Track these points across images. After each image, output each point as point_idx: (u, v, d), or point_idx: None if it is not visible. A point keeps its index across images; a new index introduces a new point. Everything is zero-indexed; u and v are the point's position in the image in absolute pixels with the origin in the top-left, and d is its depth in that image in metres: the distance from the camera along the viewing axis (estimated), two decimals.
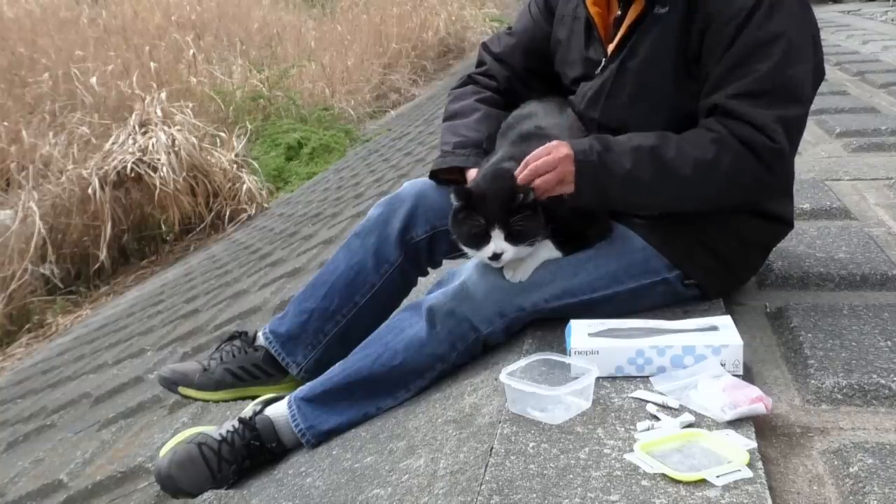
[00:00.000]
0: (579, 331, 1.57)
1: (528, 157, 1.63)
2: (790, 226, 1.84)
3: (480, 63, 2.07)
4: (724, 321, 1.57)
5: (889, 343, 1.56)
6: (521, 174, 1.62)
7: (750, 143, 1.58)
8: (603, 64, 1.79)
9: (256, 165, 7.57)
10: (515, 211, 1.60)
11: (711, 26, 1.63)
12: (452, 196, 1.65)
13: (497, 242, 1.61)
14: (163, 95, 7.48)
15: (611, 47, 1.77)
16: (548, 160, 1.61)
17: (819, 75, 1.68)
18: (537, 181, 1.61)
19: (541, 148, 1.63)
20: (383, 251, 1.90)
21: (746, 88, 1.59)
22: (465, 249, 1.68)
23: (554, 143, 1.64)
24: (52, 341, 5.85)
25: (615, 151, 1.62)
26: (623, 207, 1.72)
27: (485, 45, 2.09)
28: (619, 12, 1.77)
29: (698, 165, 1.60)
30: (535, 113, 1.87)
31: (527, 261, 1.68)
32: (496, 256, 1.62)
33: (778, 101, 1.59)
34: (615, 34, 1.76)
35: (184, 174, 6.87)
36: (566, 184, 1.63)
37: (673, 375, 1.47)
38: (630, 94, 1.73)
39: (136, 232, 7.26)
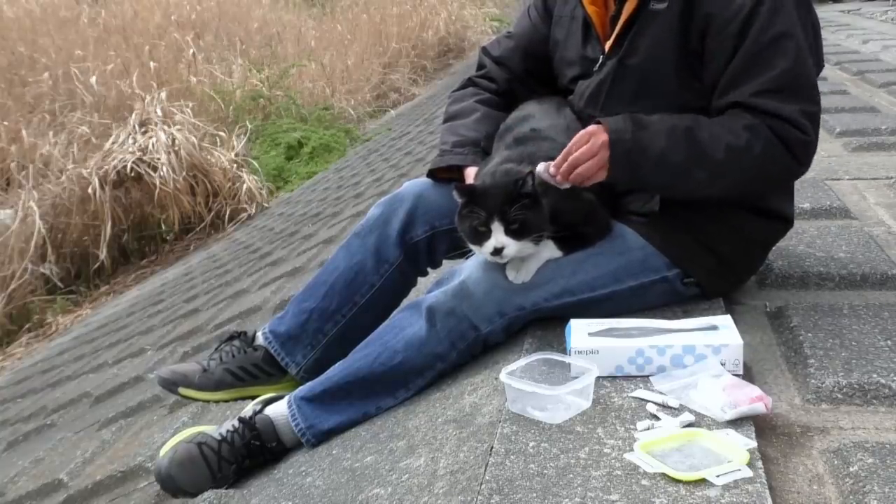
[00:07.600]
0: (579, 330, 1.57)
1: (568, 147, 1.61)
2: (790, 224, 1.84)
3: (480, 66, 2.08)
4: (724, 320, 1.57)
5: (889, 343, 1.57)
6: (562, 167, 1.61)
7: (781, 134, 1.60)
8: (600, 61, 1.79)
9: (256, 165, 7.56)
10: (514, 201, 1.59)
11: (711, 27, 1.63)
12: (455, 193, 1.65)
13: (497, 236, 1.60)
14: (163, 95, 7.47)
15: (608, 45, 1.77)
16: (589, 148, 1.61)
17: (819, 69, 1.71)
18: (578, 169, 1.61)
19: (580, 135, 1.62)
20: (383, 251, 1.90)
21: (768, 86, 1.60)
22: (470, 246, 1.68)
23: (592, 128, 1.63)
24: (52, 341, 5.84)
25: (650, 130, 1.63)
26: (654, 188, 1.72)
27: (485, 49, 2.10)
28: (615, 9, 1.77)
29: (731, 150, 1.60)
30: (533, 115, 1.87)
31: (529, 261, 1.67)
32: (497, 251, 1.61)
33: (799, 95, 1.61)
34: (612, 32, 1.76)
35: (184, 174, 6.86)
36: (606, 169, 1.63)
37: (673, 375, 1.47)
38: (632, 91, 1.73)
39: (136, 231, 7.26)
